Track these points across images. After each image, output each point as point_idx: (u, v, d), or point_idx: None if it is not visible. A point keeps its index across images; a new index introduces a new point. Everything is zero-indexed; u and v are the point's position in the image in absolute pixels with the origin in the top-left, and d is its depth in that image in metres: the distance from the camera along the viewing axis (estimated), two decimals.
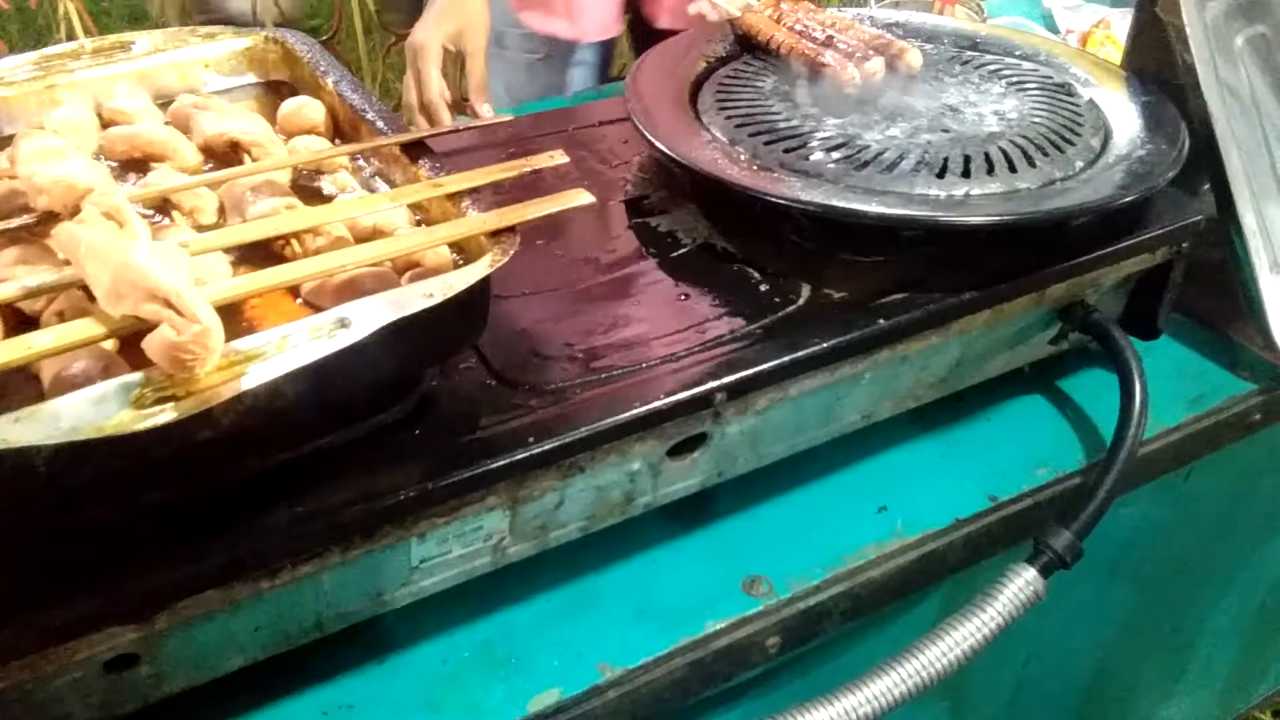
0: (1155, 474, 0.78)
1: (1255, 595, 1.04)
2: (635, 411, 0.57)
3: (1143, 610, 0.94)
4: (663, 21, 1.32)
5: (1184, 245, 0.74)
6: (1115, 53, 1.22)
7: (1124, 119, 0.78)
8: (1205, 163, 0.77)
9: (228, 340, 0.44)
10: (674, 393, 0.58)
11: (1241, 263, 0.77)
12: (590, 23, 1.28)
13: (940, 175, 0.70)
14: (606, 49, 1.41)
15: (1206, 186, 0.78)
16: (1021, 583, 0.63)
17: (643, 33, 1.38)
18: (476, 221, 0.54)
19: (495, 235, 0.53)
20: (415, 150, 0.63)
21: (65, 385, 0.47)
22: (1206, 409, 0.78)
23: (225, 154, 0.67)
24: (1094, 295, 0.74)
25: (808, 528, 0.68)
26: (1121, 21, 1.30)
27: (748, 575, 0.64)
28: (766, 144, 0.74)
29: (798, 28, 0.87)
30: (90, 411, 0.41)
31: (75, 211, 0.50)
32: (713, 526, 0.68)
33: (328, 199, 0.65)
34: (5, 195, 0.59)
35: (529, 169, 0.59)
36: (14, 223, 0.55)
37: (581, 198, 0.55)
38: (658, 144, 0.73)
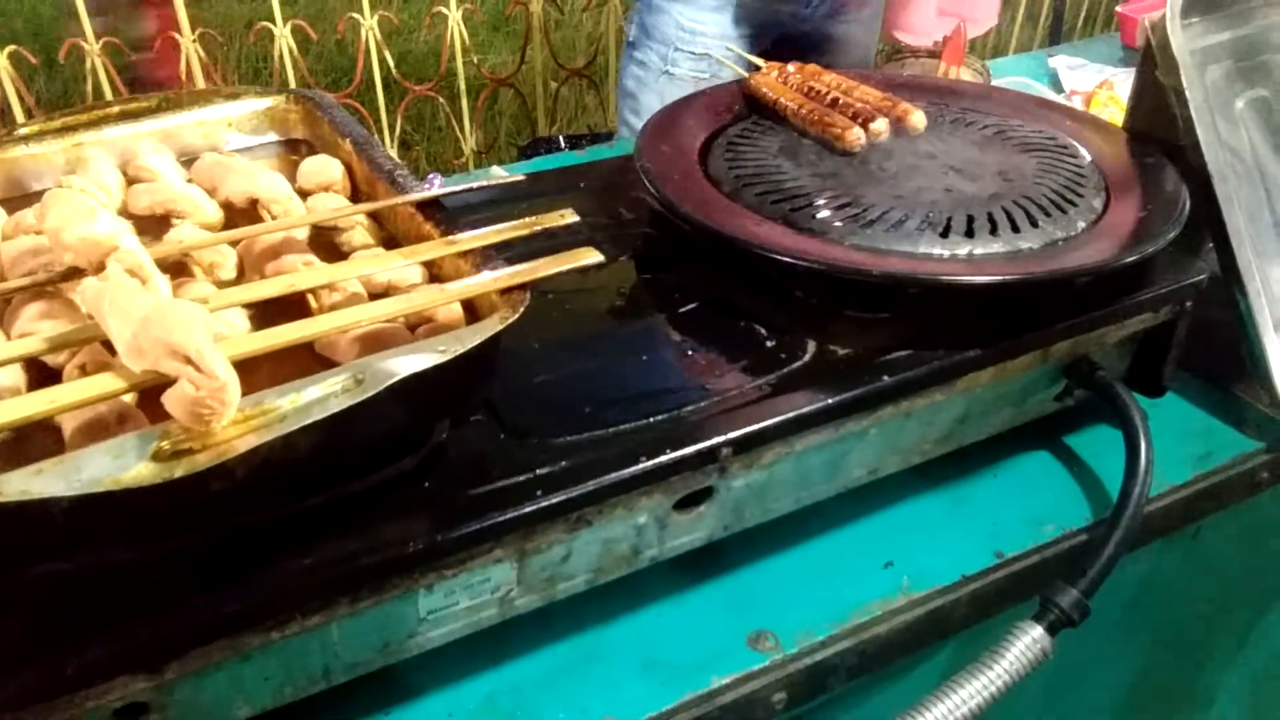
0: (1162, 532, 0.78)
1: (1268, 653, 1.03)
2: (642, 465, 0.58)
3: (1154, 668, 0.93)
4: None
5: (1187, 304, 0.74)
6: (1118, 113, 1.24)
7: (1126, 179, 0.80)
8: (1208, 223, 0.78)
9: (245, 394, 0.45)
10: (680, 447, 0.59)
11: (1245, 322, 0.77)
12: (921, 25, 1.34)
13: (944, 235, 0.71)
14: None
15: (1210, 245, 0.79)
16: (1028, 641, 0.63)
17: None
18: (488, 280, 0.55)
19: (506, 293, 0.54)
20: (429, 208, 0.65)
21: (85, 436, 0.48)
22: (1213, 467, 0.78)
23: (245, 211, 0.69)
24: (1098, 353, 0.74)
25: (814, 583, 0.68)
26: (1125, 83, 1.32)
27: (753, 630, 0.65)
28: (773, 202, 0.75)
29: (804, 89, 0.89)
30: (109, 464, 0.42)
31: (100, 268, 0.52)
32: (719, 580, 0.68)
33: (344, 256, 0.67)
34: (31, 251, 0.60)
35: (539, 227, 0.61)
36: (40, 278, 0.57)
37: (590, 256, 0.57)
38: (667, 200, 0.75)
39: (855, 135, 0.82)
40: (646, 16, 1.46)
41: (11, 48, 1.81)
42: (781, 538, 0.70)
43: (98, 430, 0.48)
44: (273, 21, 2.02)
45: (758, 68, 0.95)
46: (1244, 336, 0.78)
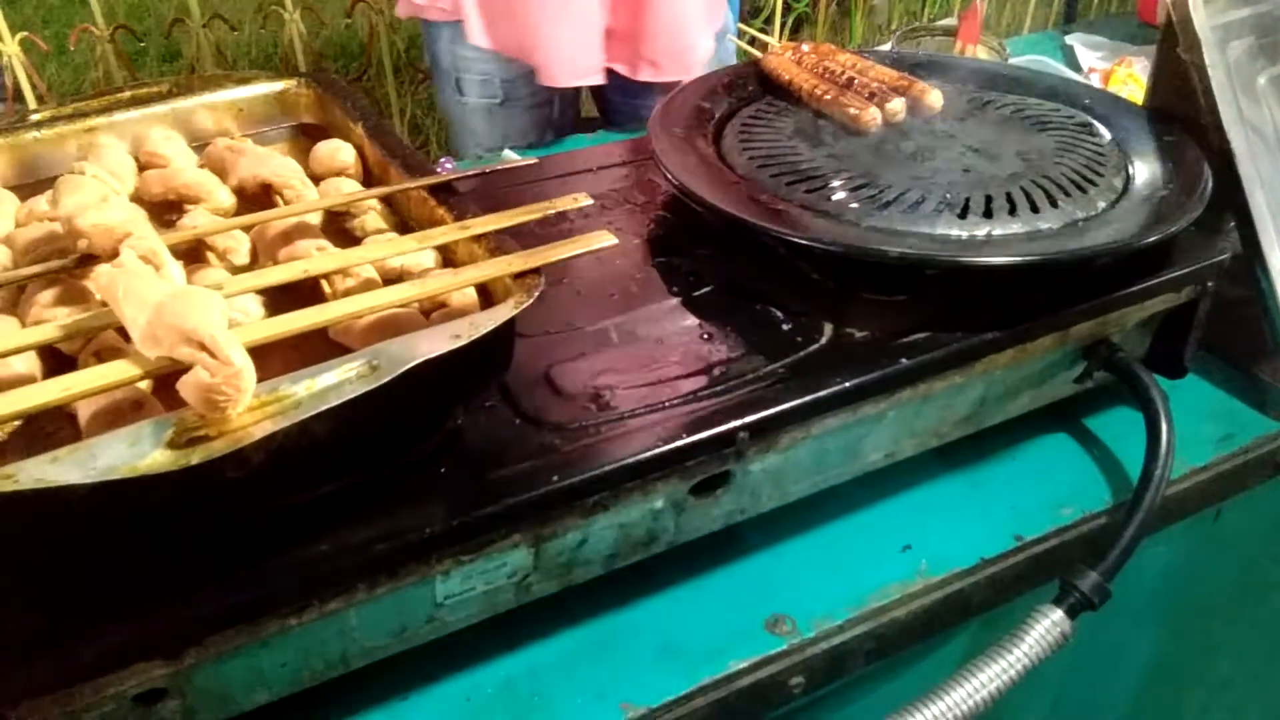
0: (1184, 514, 0.77)
1: None
2: (658, 450, 0.57)
3: (1174, 652, 0.93)
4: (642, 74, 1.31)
5: (1208, 284, 0.73)
6: (1137, 91, 1.23)
7: (1146, 158, 0.79)
8: (1230, 202, 0.77)
9: (260, 380, 0.45)
10: (696, 431, 0.58)
11: (1268, 302, 0.76)
12: (562, 67, 1.27)
13: (962, 215, 0.70)
14: (571, 92, 1.40)
15: (1232, 224, 0.78)
16: (1048, 624, 0.62)
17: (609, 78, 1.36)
18: (502, 264, 0.55)
19: (520, 277, 0.54)
20: (442, 192, 0.64)
21: (101, 425, 0.48)
22: (1235, 448, 0.78)
23: (258, 196, 0.69)
24: (1118, 334, 0.74)
25: (832, 566, 0.68)
26: (1143, 60, 1.30)
27: (771, 614, 0.64)
28: (789, 184, 0.75)
29: (819, 70, 0.88)
30: (125, 451, 0.42)
31: (114, 254, 0.52)
32: (736, 565, 0.68)
33: (358, 240, 0.66)
34: (45, 238, 0.60)
35: (553, 211, 0.60)
36: (54, 265, 0.57)
37: (604, 239, 0.56)
38: (681, 184, 0.74)
39: (871, 115, 0.81)
40: (429, 44, 1.39)
41: (22, 34, 1.81)
42: (799, 522, 0.69)
43: (113, 417, 0.48)
44: (282, 5, 2.02)
45: (768, 47, 0.94)
46: (1266, 316, 0.77)
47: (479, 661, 0.61)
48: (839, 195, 0.73)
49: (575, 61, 1.27)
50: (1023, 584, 0.70)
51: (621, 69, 1.31)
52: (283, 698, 0.55)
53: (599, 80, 1.31)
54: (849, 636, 0.64)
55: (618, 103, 1.43)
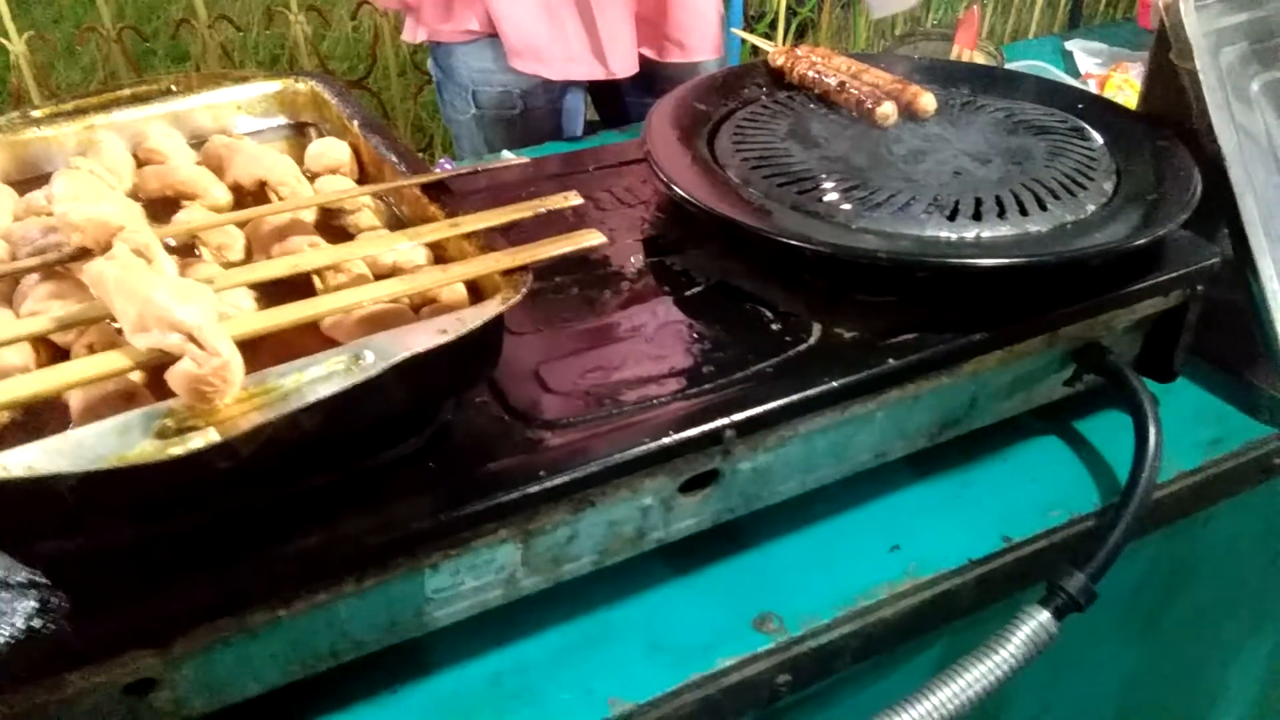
0: (1172, 518, 0.77)
1: (1277, 642, 1.02)
2: (646, 447, 0.58)
3: (1161, 655, 0.93)
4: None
5: (1198, 288, 0.74)
6: (1133, 96, 1.23)
7: (1137, 163, 0.79)
8: (1221, 206, 0.77)
9: (249, 373, 0.45)
10: (684, 429, 0.59)
11: (1258, 306, 0.77)
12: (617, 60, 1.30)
13: (951, 218, 0.71)
14: (581, 98, 1.42)
15: (1223, 229, 0.78)
16: (1035, 625, 0.62)
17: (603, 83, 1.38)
18: (490, 260, 0.55)
19: (509, 274, 0.55)
20: (435, 190, 0.65)
21: (92, 415, 0.48)
22: (1225, 453, 0.78)
23: (254, 193, 0.69)
24: (1108, 337, 0.74)
25: (820, 566, 0.68)
26: (1139, 66, 1.30)
27: (759, 612, 0.65)
28: (780, 185, 0.75)
29: (812, 73, 0.88)
30: (115, 441, 0.42)
31: (107, 248, 0.52)
32: (724, 563, 0.68)
33: (351, 238, 0.67)
34: (41, 231, 0.61)
35: (543, 209, 0.61)
36: (49, 258, 0.57)
37: (593, 237, 0.57)
38: (673, 185, 0.75)
39: (885, 110, 0.81)
40: (441, 60, 1.38)
41: (30, 33, 1.82)
42: (787, 521, 0.70)
43: (105, 409, 0.48)
44: (287, 7, 2.03)
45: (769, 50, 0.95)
46: (1257, 321, 0.77)
47: (467, 656, 0.62)
48: (830, 197, 0.73)
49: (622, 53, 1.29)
50: (1010, 585, 0.70)
51: (649, 53, 1.33)
52: (273, 689, 0.55)
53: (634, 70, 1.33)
54: (836, 635, 0.64)
55: (635, 104, 1.45)
